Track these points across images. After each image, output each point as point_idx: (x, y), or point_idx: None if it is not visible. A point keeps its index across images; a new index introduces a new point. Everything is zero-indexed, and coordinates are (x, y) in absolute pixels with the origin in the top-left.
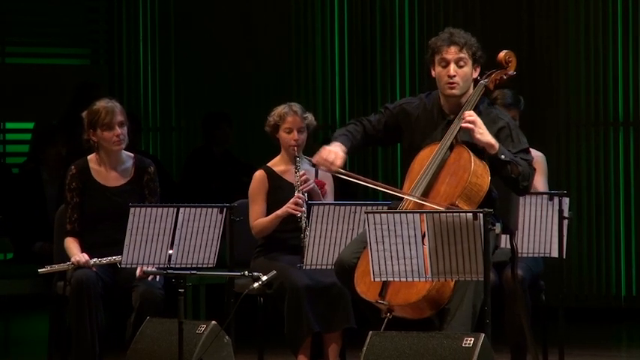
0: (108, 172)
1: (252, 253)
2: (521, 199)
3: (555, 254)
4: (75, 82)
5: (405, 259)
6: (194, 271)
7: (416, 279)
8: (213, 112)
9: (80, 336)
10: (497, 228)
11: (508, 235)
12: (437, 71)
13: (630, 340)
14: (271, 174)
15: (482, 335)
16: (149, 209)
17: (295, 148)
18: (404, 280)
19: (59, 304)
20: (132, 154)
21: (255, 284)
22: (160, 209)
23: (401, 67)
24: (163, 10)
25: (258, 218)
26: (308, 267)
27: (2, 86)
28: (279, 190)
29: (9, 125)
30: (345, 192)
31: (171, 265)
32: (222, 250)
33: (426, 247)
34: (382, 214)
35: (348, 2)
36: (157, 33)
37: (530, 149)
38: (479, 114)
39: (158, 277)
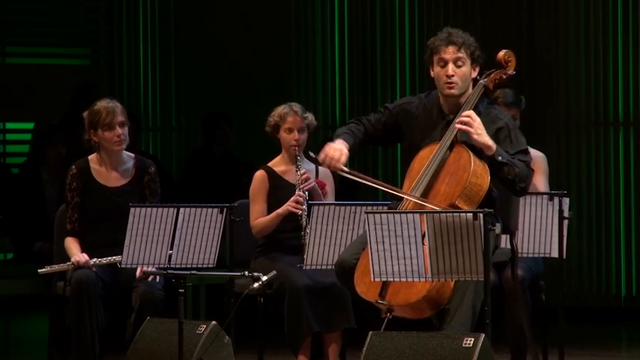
0: (109, 173)
1: (253, 253)
2: (522, 199)
3: (555, 254)
4: (75, 82)
5: (405, 259)
6: (194, 272)
7: (416, 279)
8: (213, 112)
9: (80, 336)
10: (498, 228)
11: (508, 235)
12: (435, 71)
13: (630, 340)
14: (272, 174)
15: (482, 335)
16: (149, 209)
17: (296, 148)
18: (404, 280)
19: (59, 304)
20: (132, 155)
21: (255, 284)
22: (160, 209)
23: (401, 67)
24: (163, 10)
25: (259, 218)
26: (308, 267)
27: (2, 86)
28: (279, 190)
29: (9, 125)
30: (345, 192)
31: (171, 266)
32: (223, 251)
33: (426, 247)
34: (382, 214)
35: (348, 2)
36: (157, 33)
37: (531, 149)
38: (478, 114)
39: (158, 277)
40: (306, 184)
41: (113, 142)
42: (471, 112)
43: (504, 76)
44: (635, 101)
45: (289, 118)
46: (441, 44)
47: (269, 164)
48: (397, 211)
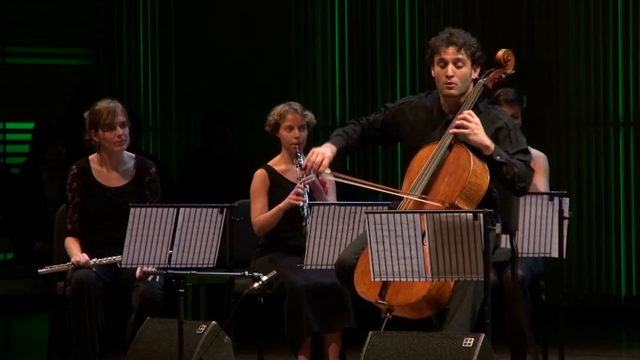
0: (109, 173)
1: (253, 253)
2: (522, 199)
3: (555, 254)
4: (75, 82)
5: (405, 259)
6: (194, 272)
7: (416, 279)
8: (213, 112)
9: (80, 336)
10: (498, 228)
11: (508, 235)
12: (435, 71)
13: (630, 340)
14: (272, 173)
15: (483, 335)
16: (149, 209)
17: (297, 146)
18: (404, 280)
19: (59, 304)
20: (133, 155)
21: (255, 284)
22: (160, 209)
23: (401, 67)
24: (163, 10)
25: (260, 215)
26: (308, 267)
27: (2, 86)
28: (280, 189)
29: (9, 125)
30: (346, 192)
31: (171, 266)
32: (223, 251)
33: (426, 247)
34: (382, 214)
35: (348, 2)
36: (157, 33)
37: (532, 150)
38: (478, 113)
39: (158, 277)
40: (306, 177)
41: (114, 142)
42: (470, 112)
43: (503, 76)
44: (635, 101)
45: (289, 116)
46: (442, 44)
47: (269, 163)
48: (397, 211)
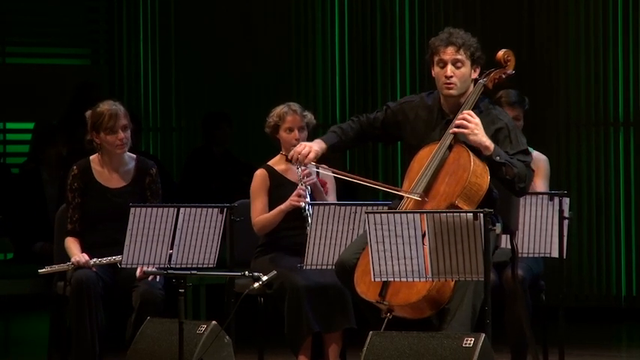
0: (110, 174)
1: (253, 253)
2: (522, 199)
3: (555, 254)
4: (75, 82)
5: (405, 259)
6: (194, 272)
7: (416, 279)
8: (213, 112)
9: (80, 336)
10: (498, 228)
11: (508, 235)
12: (435, 71)
13: (630, 340)
14: (272, 172)
15: (483, 335)
16: (149, 209)
17: None
18: (404, 280)
19: (59, 304)
20: (134, 156)
21: (256, 284)
22: (160, 209)
23: (401, 67)
24: (163, 10)
25: (260, 215)
26: (308, 267)
27: (2, 86)
28: (281, 189)
29: (9, 125)
30: (346, 192)
31: (171, 266)
32: (223, 251)
33: (427, 247)
34: (382, 214)
35: (348, 2)
36: (157, 33)
37: (534, 152)
38: (479, 113)
39: (158, 277)
40: (308, 179)
41: (115, 145)
42: (469, 112)
43: (504, 76)
44: (635, 101)
45: (289, 118)
46: (441, 45)
47: (269, 163)
48: (397, 211)
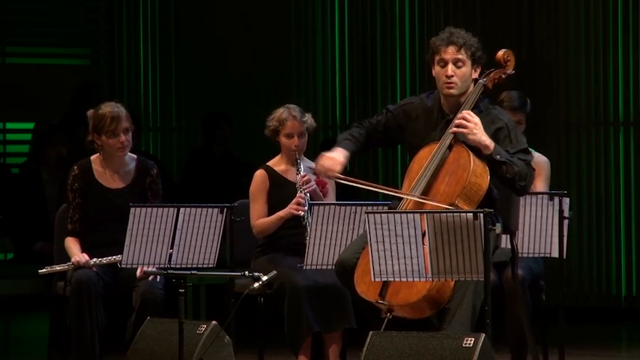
0: (110, 174)
1: (253, 253)
2: (522, 199)
3: (555, 254)
4: (75, 82)
5: (405, 258)
6: (194, 272)
7: (416, 279)
8: (213, 112)
9: (80, 336)
10: (498, 228)
11: (508, 235)
12: (436, 70)
13: (630, 340)
14: (272, 173)
15: (483, 335)
16: (149, 209)
17: (296, 152)
18: (404, 279)
19: (59, 304)
20: (135, 156)
21: (256, 284)
22: (160, 209)
23: (401, 67)
24: (163, 10)
25: (259, 217)
26: (308, 267)
27: (2, 86)
28: (281, 189)
29: (9, 125)
30: (346, 192)
31: (171, 266)
32: (223, 251)
33: (427, 246)
34: (382, 214)
35: (348, 2)
36: (157, 33)
37: (535, 153)
38: (479, 113)
39: (158, 277)
40: (307, 186)
41: (117, 148)
42: (469, 112)
43: (503, 76)
44: (635, 101)
45: (288, 124)
46: (442, 44)
47: (269, 163)
48: (397, 210)
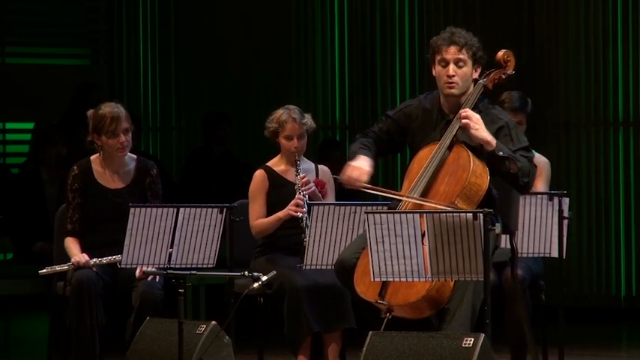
0: (110, 174)
1: (252, 253)
2: (521, 199)
3: (555, 254)
4: (75, 82)
5: (404, 258)
6: (194, 272)
7: (416, 279)
8: (213, 112)
9: (80, 336)
10: (498, 228)
11: (508, 235)
12: (437, 70)
13: (630, 340)
14: (271, 173)
15: (482, 335)
16: (149, 209)
17: (296, 154)
18: (404, 280)
19: (59, 304)
20: (134, 156)
21: (255, 284)
22: (159, 209)
23: (401, 67)
24: (163, 10)
25: (258, 218)
26: (308, 267)
27: (2, 86)
28: (281, 189)
29: (9, 125)
30: (346, 192)
31: (171, 266)
32: (222, 251)
33: (426, 247)
34: (382, 214)
35: (348, 2)
36: (156, 33)
37: (536, 154)
38: (478, 113)
39: (158, 277)
40: (306, 187)
41: (116, 148)
42: (468, 109)
43: (503, 76)
44: (635, 101)
45: (288, 126)
46: (443, 44)
47: (268, 163)
48: (397, 211)
